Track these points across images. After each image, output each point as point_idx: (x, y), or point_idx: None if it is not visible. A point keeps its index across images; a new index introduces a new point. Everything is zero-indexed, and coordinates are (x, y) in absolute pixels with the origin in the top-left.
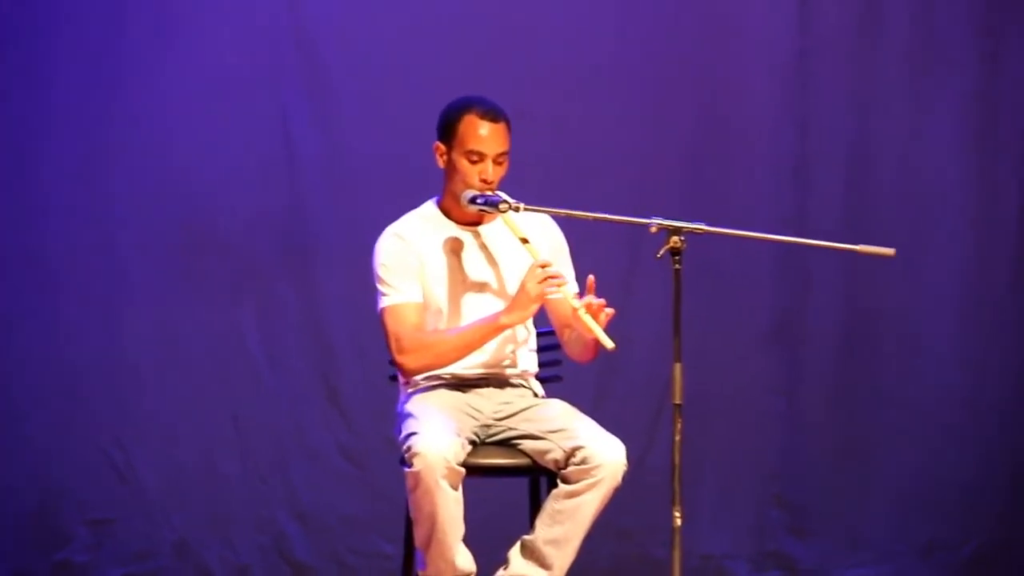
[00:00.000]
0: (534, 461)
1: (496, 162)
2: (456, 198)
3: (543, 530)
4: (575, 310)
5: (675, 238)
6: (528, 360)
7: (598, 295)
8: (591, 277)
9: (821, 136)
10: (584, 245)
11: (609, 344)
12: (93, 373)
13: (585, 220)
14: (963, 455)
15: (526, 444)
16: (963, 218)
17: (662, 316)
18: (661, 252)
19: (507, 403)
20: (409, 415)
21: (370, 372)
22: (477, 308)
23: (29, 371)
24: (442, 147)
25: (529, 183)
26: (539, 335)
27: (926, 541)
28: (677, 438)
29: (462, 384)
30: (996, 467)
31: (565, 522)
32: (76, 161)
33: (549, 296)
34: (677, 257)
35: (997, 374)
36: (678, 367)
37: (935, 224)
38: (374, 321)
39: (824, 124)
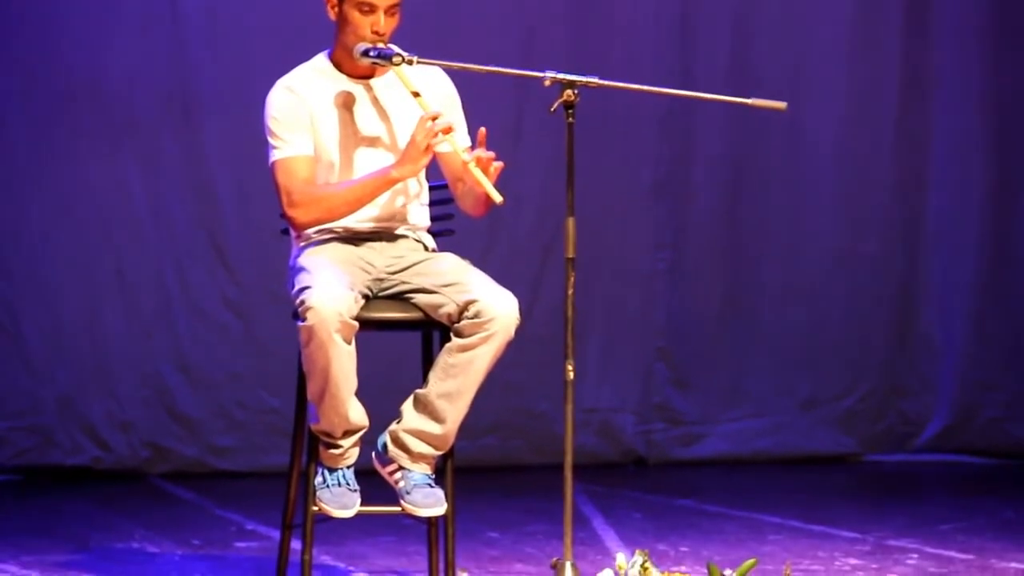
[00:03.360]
0: (427, 315)
1: (388, 14)
2: (348, 51)
3: (436, 384)
4: (465, 163)
5: (568, 91)
6: (420, 214)
7: (488, 149)
8: (482, 130)
9: None
10: (471, 99)
11: (498, 198)
12: None
13: (472, 73)
14: (844, 310)
15: (419, 298)
16: (845, 72)
17: (547, 169)
18: (555, 106)
19: (399, 257)
20: (302, 269)
21: (255, 226)
22: (369, 162)
23: None
24: None
25: (418, 36)
26: (432, 189)
27: (807, 394)
28: (570, 292)
29: (354, 238)
30: (876, 321)
31: (458, 376)
32: None
33: (438, 149)
34: (570, 111)
35: (877, 229)
36: (571, 221)
37: (817, 78)
38: (259, 174)
39: None
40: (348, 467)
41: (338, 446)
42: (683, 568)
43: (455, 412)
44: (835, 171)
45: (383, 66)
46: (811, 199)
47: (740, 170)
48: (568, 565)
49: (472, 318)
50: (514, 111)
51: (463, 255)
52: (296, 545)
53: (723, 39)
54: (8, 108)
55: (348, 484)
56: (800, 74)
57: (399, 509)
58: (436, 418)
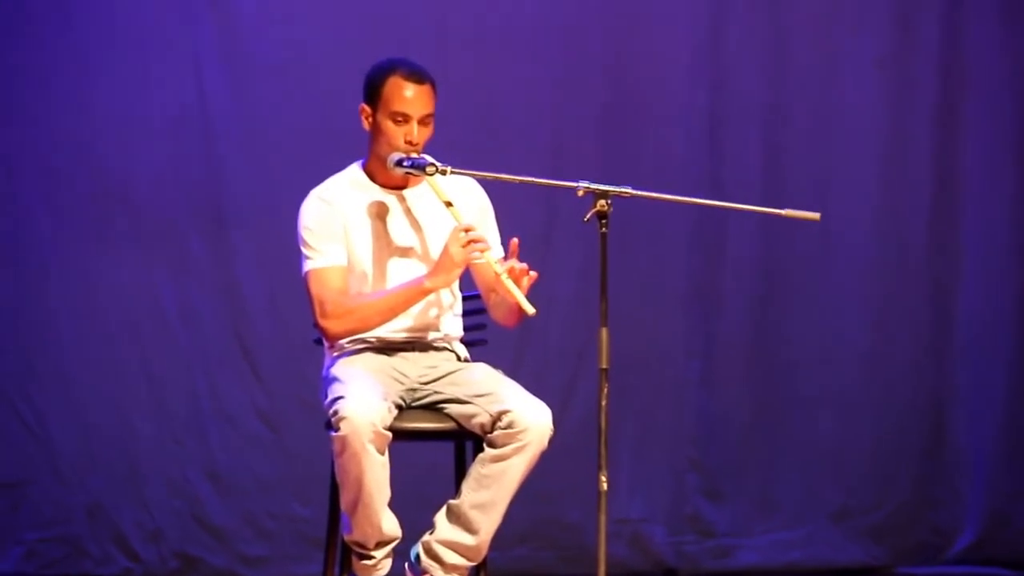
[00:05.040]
0: (460, 425)
1: (421, 124)
2: (382, 161)
3: (469, 494)
4: (498, 275)
5: (602, 202)
6: (453, 324)
7: (521, 259)
8: (514, 241)
9: (734, 98)
10: (502, 207)
11: (530, 310)
12: (3, 331)
13: (503, 183)
14: (875, 419)
15: (452, 408)
16: (876, 181)
17: (577, 278)
18: (588, 216)
19: (432, 367)
20: (335, 379)
21: (286, 333)
22: (402, 272)
23: None
24: (367, 109)
25: (448, 146)
26: (465, 299)
27: (839, 505)
28: (603, 402)
29: (387, 348)
30: (907, 431)
31: (491, 486)
32: None
33: (472, 260)
34: (604, 221)
35: (907, 338)
36: (604, 331)
37: (849, 189)
38: (290, 281)
39: (737, 86)
40: None
41: (371, 557)
42: None
43: (488, 523)
44: (865, 278)
45: (416, 176)
46: (841, 307)
47: (770, 277)
48: None
49: (505, 428)
50: (545, 219)
51: (494, 365)
52: None
53: (754, 146)
54: (37, 210)
55: None
56: (830, 181)
57: None
58: (469, 529)
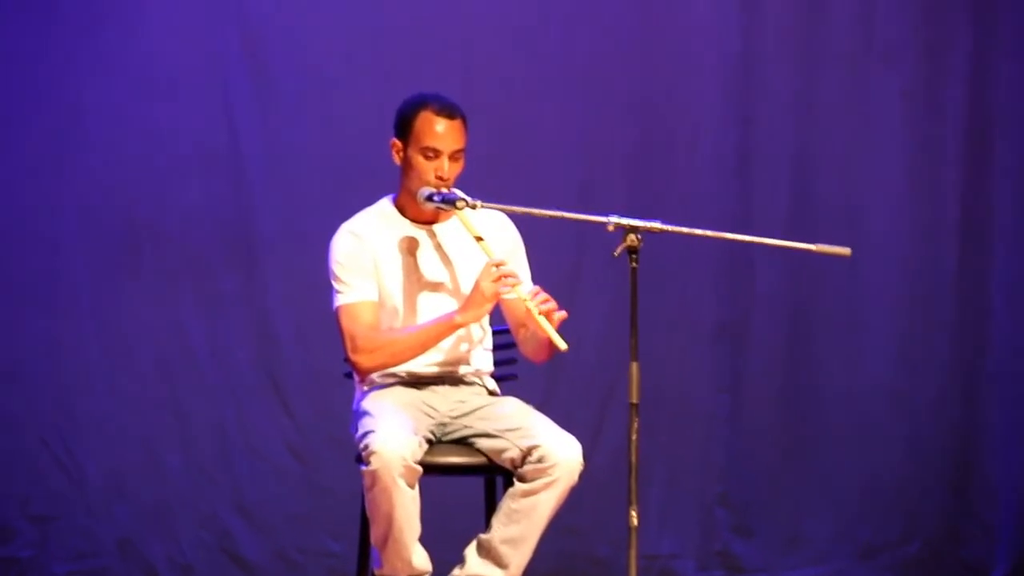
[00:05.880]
0: (490, 460)
1: (452, 159)
2: (412, 195)
3: (499, 529)
4: (529, 310)
5: (632, 236)
6: (483, 359)
7: (548, 290)
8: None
9: (764, 135)
10: (531, 241)
11: (562, 345)
12: (34, 368)
13: (531, 217)
14: (903, 455)
15: (482, 442)
16: (905, 218)
17: (606, 314)
18: (619, 250)
19: (462, 401)
20: (365, 413)
21: (316, 368)
22: (432, 307)
23: None
24: (398, 144)
25: (477, 181)
26: (495, 334)
27: (867, 541)
28: (634, 437)
29: (417, 382)
30: (935, 467)
31: (521, 521)
32: (15, 153)
33: (503, 296)
34: (634, 256)
35: (935, 374)
36: (635, 366)
37: (877, 224)
38: (320, 316)
39: (767, 123)
40: None
41: None
42: None
43: (519, 557)
44: (894, 314)
45: (447, 211)
46: (870, 342)
47: (799, 313)
48: None
49: (536, 463)
50: (574, 253)
51: (524, 399)
52: None
53: (782, 181)
54: (69, 248)
55: None
56: (858, 216)
57: None
58: (499, 563)
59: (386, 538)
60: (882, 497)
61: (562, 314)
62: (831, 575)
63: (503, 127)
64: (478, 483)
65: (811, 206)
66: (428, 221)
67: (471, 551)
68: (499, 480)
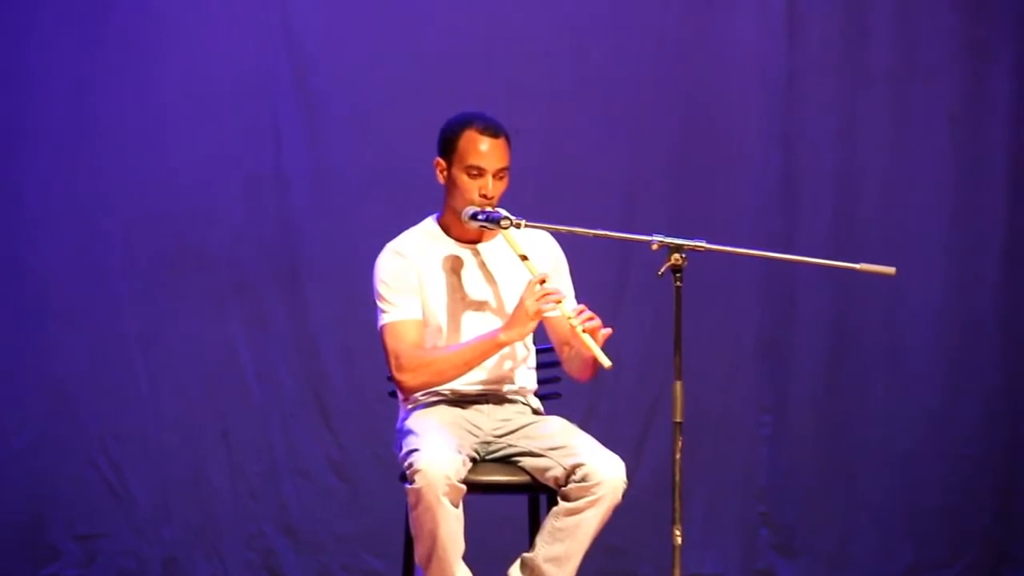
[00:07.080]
0: (534, 478)
1: (496, 177)
2: (456, 214)
3: (543, 548)
4: (573, 328)
5: (676, 255)
6: (527, 377)
7: (591, 309)
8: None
9: (807, 155)
10: (574, 260)
11: (607, 363)
12: (82, 388)
13: (575, 236)
14: (947, 477)
15: (526, 461)
16: (948, 237)
17: (649, 332)
18: (663, 270)
19: (506, 420)
20: (409, 432)
21: (360, 387)
22: (476, 325)
23: (17, 386)
24: (442, 163)
25: (521, 199)
26: (539, 352)
27: (911, 562)
28: (677, 456)
29: (461, 400)
30: (979, 486)
31: (565, 540)
32: (63, 174)
33: (547, 314)
34: (678, 274)
35: (979, 396)
36: (678, 385)
37: (920, 242)
38: (364, 336)
39: (810, 143)
40: None
41: None
42: None
43: None
44: (936, 333)
45: (491, 230)
46: (913, 363)
47: (841, 332)
48: None
49: (579, 482)
50: (618, 272)
51: (568, 417)
52: None
53: (825, 201)
54: (114, 269)
55: None
56: (902, 236)
57: None
58: None
59: (430, 557)
60: (926, 519)
61: (607, 331)
62: None
63: (547, 146)
64: (522, 502)
65: (854, 226)
66: (472, 240)
67: (515, 570)
68: (543, 499)
